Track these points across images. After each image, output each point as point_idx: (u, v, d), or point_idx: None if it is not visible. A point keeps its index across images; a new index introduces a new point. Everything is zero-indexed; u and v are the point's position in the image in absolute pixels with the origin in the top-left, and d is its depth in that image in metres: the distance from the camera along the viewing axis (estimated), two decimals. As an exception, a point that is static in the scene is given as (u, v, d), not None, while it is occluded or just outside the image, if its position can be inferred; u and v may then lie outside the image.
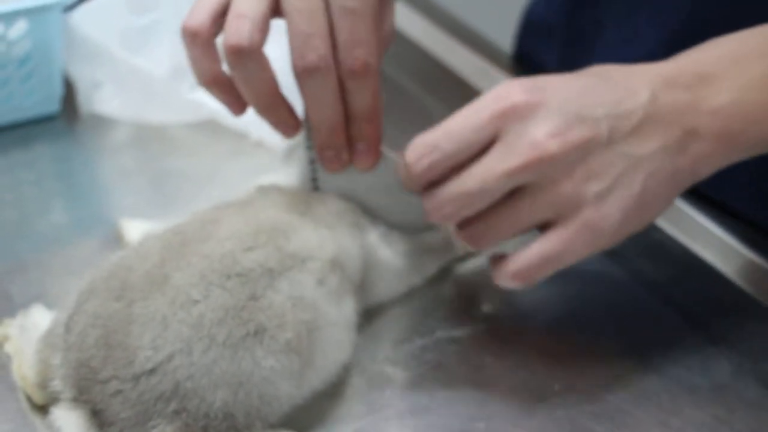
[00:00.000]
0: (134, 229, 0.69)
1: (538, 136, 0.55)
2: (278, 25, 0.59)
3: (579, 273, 0.70)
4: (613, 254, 0.72)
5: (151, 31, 0.87)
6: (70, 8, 0.84)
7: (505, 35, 0.99)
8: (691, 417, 0.60)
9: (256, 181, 0.67)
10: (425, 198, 0.59)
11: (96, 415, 0.52)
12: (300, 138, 0.64)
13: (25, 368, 0.57)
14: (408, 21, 0.99)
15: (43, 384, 0.56)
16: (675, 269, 0.72)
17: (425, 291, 0.68)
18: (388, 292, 0.66)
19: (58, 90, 0.85)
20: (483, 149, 0.57)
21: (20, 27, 0.80)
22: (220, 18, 0.59)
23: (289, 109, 0.61)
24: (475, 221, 0.59)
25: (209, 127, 0.85)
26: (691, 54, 0.60)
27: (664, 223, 0.74)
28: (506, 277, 0.59)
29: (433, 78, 0.94)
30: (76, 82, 0.86)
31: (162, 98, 0.84)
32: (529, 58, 0.95)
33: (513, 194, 0.57)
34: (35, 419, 0.56)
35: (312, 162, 0.65)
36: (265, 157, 0.81)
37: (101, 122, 0.86)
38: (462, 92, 0.89)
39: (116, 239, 0.71)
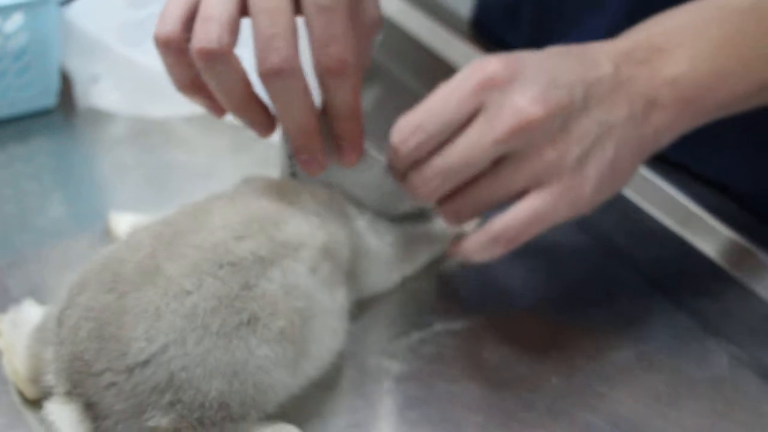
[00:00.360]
0: (123, 223, 0.69)
1: (521, 104, 0.56)
2: (248, 25, 0.58)
3: (577, 266, 0.71)
4: (611, 250, 0.72)
5: (148, 24, 0.86)
6: (66, 1, 0.84)
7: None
8: (689, 409, 0.59)
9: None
10: (413, 173, 0.59)
11: (90, 408, 0.52)
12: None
13: (16, 363, 0.57)
14: (407, 16, 0.99)
15: (35, 378, 0.56)
16: (668, 256, 0.72)
17: (422, 284, 0.68)
18: (379, 281, 0.66)
19: (55, 84, 0.85)
20: (466, 124, 0.58)
21: (16, 20, 0.80)
22: (190, 22, 0.57)
23: (264, 109, 0.60)
24: (456, 195, 0.60)
25: (207, 120, 0.84)
26: (645, 28, 0.62)
27: (657, 212, 0.74)
28: (487, 242, 0.59)
29: (433, 74, 0.93)
30: (73, 76, 0.86)
31: (160, 92, 0.84)
32: (490, 30, 0.95)
33: (494, 164, 0.58)
34: (28, 414, 0.56)
35: (290, 157, 0.64)
36: (263, 151, 0.81)
37: (99, 116, 0.85)
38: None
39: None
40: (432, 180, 0.59)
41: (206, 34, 0.56)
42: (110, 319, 0.52)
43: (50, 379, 0.54)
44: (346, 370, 0.60)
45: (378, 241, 0.65)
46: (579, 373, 0.62)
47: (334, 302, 0.59)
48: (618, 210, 0.73)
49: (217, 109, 0.62)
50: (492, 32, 0.95)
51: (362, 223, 0.65)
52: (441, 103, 0.58)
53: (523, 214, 0.58)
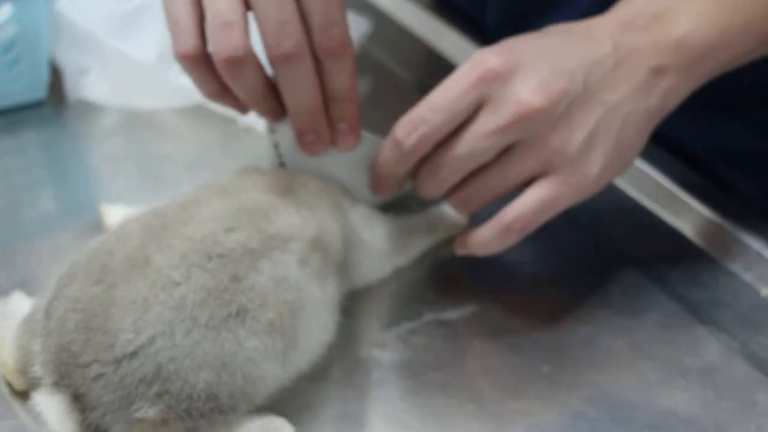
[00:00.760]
0: (115, 214, 0.69)
1: (523, 94, 0.58)
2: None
3: (574, 261, 0.71)
4: (602, 240, 0.72)
5: (138, 16, 0.87)
6: (55, -7, 0.84)
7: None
8: (681, 398, 0.59)
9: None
10: (421, 168, 0.61)
11: (77, 399, 0.52)
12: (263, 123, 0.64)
13: (4, 355, 0.57)
14: (399, 8, 0.99)
15: (24, 370, 0.55)
16: (659, 245, 0.72)
17: (412, 274, 0.68)
18: (371, 273, 0.66)
19: (44, 76, 0.85)
20: (468, 118, 0.59)
21: (5, 12, 0.80)
22: (201, 28, 0.58)
23: (278, 97, 0.61)
24: (465, 184, 0.61)
25: (197, 112, 0.84)
26: None
27: (654, 206, 0.75)
28: (499, 232, 0.61)
29: (428, 67, 0.93)
30: (63, 68, 0.86)
31: (149, 84, 0.84)
32: (460, 14, 0.94)
33: (501, 154, 0.60)
34: (16, 405, 0.56)
35: (276, 146, 0.64)
36: (253, 142, 0.81)
37: (89, 108, 0.85)
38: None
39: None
40: (441, 170, 0.60)
41: (229, 42, 0.56)
42: (98, 310, 0.52)
43: (38, 370, 0.54)
44: (335, 361, 0.60)
45: (371, 233, 0.65)
46: (570, 361, 0.62)
47: (324, 294, 0.59)
48: (610, 201, 0.73)
49: (243, 107, 0.62)
50: (457, 8, 0.95)
51: (356, 214, 0.65)
52: (443, 97, 0.59)
53: (533, 202, 0.60)
